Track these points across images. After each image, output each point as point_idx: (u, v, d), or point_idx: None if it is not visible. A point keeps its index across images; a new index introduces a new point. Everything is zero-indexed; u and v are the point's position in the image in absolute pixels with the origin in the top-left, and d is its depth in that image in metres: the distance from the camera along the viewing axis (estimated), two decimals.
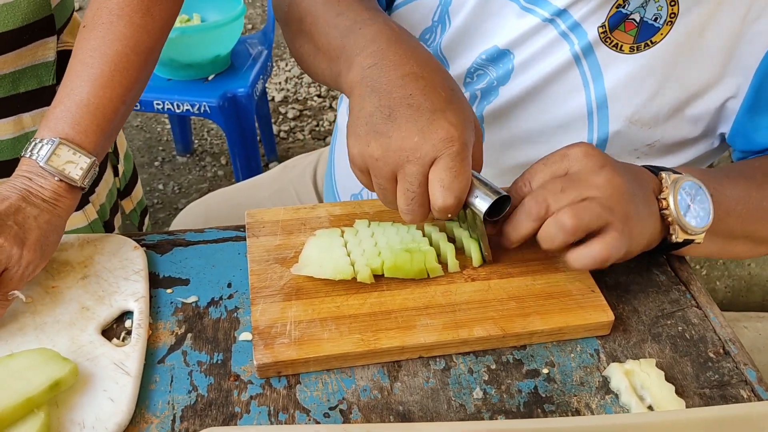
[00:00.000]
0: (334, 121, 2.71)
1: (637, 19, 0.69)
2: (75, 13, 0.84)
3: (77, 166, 0.61)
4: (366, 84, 0.58)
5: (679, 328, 0.63)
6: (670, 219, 0.61)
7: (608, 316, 0.61)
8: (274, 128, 2.59)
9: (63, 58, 0.77)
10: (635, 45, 0.70)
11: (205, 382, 0.57)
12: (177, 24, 1.91)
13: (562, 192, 0.57)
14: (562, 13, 0.71)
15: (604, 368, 0.59)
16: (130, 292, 0.63)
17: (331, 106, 2.78)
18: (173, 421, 0.54)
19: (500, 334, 0.60)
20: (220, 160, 2.49)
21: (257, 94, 1.94)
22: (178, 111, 1.82)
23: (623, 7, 0.69)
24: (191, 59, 1.83)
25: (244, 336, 0.61)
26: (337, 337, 0.59)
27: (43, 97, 0.77)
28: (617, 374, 0.58)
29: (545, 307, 0.62)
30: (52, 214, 0.60)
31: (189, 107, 1.81)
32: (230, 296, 0.65)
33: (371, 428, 0.47)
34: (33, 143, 0.61)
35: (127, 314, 0.62)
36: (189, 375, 0.58)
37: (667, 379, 0.57)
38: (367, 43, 0.61)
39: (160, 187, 2.37)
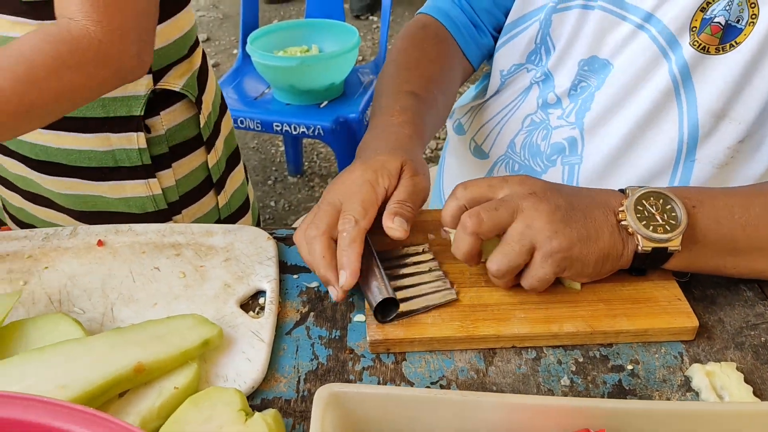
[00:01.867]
0: (433, 149, 2.81)
1: (722, 22, 0.75)
2: (187, 60, 0.95)
3: None
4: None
5: (762, 338, 0.67)
6: (630, 229, 0.65)
7: (692, 321, 0.66)
8: None
9: (159, 95, 0.90)
10: (720, 46, 0.75)
11: (324, 353, 0.66)
12: (297, 53, 2.07)
13: (496, 210, 0.64)
14: (650, 17, 0.78)
15: (687, 369, 0.64)
16: (264, 275, 0.73)
17: None
18: (298, 382, 0.64)
19: (588, 331, 0.65)
20: (327, 181, 2.64)
21: (366, 119, 2.07)
22: (294, 132, 1.97)
23: (706, 11, 0.75)
24: (309, 86, 1.99)
25: (358, 318, 0.70)
26: (440, 323, 0.66)
27: (131, 123, 0.89)
28: (699, 374, 0.62)
29: (632, 310, 0.67)
30: None
31: (304, 129, 1.95)
32: None
33: (467, 395, 0.55)
34: None
35: (260, 293, 0.73)
36: (311, 346, 0.67)
37: (746, 382, 0.61)
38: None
39: (272, 204, 2.54)
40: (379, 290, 0.66)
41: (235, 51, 3.63)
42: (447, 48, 0.92)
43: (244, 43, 2.12)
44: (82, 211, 0.95)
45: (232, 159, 1.10)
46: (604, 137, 0.84)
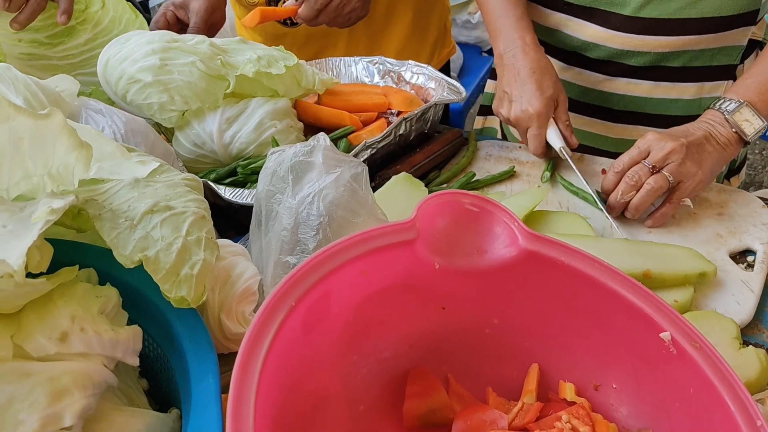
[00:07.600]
0: None
1: None
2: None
3: (751, 125, 0.78)
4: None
5: None
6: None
7: None
8: None
9: (750, 45, 0.93)
10: None
11: None
12: None
13: None
14: None
15: None
16: (756, 236, 0.76)
17: None
18: None
19: None
20: None
21: None
22: None
23: None
24: None
25: None
26: None
27: (726, 72, 0.94)
28: None
29: None
30: (721, 155, 0.78)
31: None
32: None
33: None
34: (722, 100, 0.79)
35: (748, 251, 0.76)
36: None
37: None
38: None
39: None
40: None
41: None
42: None
43: None
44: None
45: None
46: None
